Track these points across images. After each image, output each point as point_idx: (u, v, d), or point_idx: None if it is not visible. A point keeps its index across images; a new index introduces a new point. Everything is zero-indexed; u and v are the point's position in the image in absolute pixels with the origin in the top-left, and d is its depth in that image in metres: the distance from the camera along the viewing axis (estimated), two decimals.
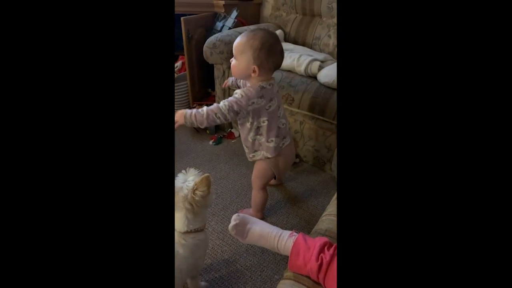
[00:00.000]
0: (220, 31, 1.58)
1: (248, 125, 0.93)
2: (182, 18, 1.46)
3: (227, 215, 1.13)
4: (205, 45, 1.44)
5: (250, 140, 0.95)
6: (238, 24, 1.63)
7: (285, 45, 1.56)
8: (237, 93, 0.88)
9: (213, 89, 1.62)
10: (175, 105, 1.71)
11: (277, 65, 0.90)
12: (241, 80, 1.07)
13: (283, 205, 1.19)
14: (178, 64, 1.69)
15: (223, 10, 1.64)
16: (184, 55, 1.56)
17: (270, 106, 0.91)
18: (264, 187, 1.05)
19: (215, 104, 0.86)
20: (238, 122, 0.95)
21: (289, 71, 1.37)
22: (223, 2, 1.63)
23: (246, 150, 1.01)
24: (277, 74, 1.35)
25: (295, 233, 0.61)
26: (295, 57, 1.35)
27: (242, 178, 1.31)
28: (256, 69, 0.85)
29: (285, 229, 0.67)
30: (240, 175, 1.33)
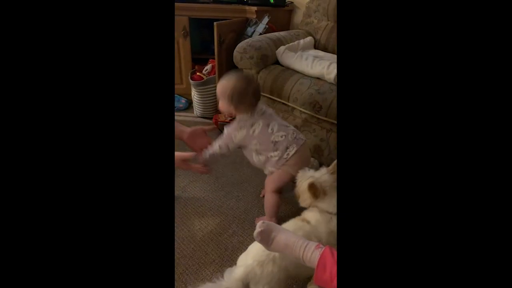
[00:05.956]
0: (251, 36, 1.60)
1: (248, 149, 1.04)
2: (215, 23, 1.50)
3: (248, 219, 1.13)
4: (235, 50, 1.46)
5: (255, 160, 1.05)
6: (269, 30, 1.64)
7: (315, 52, 1.55)
8: (225, 131, 1.02)
9: None
10: (204, 107, 1.75)
11: (254, 102, 0.99)
12: None
13: None
14: (208, 67, 1.73)
15: (255, 16, 1.67)
16: (214, 58, 1.60)
17: (254, 131, 0.99)
18: (277, 190, 1.07)
19: (217, 146, 1.03)
20: (242, 148, 1.06)
21: (318, 78, 1.36)
22: (255, 8, 1.65)
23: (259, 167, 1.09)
24: (305, 81, 1.34)
25: (321, 245, 0.60)
26: (325, 65, 1.34)
27: (264, 183, 1.31)
28: (233, 110, 0.98)
29: None
30: (262, 180, 1.32)
